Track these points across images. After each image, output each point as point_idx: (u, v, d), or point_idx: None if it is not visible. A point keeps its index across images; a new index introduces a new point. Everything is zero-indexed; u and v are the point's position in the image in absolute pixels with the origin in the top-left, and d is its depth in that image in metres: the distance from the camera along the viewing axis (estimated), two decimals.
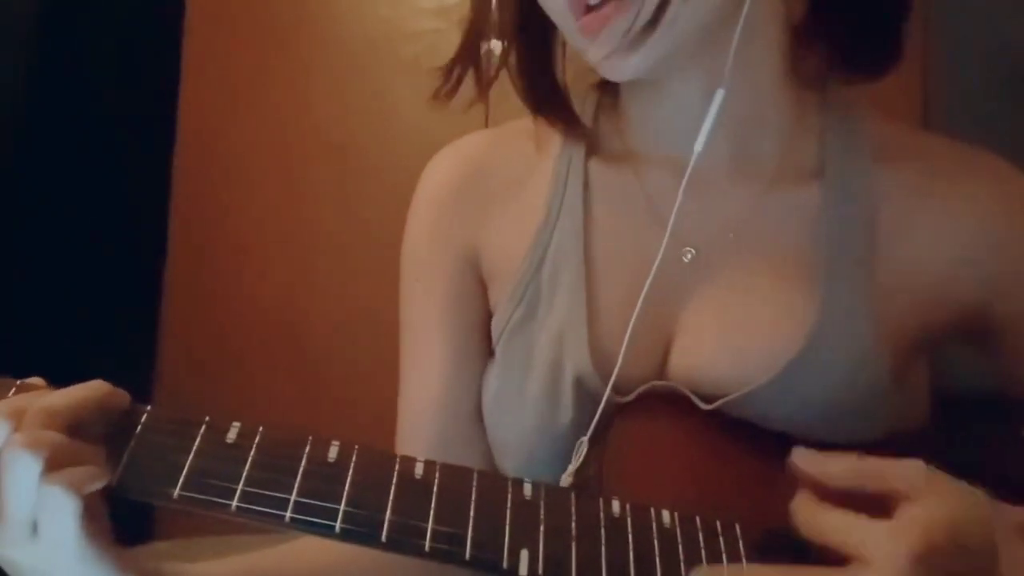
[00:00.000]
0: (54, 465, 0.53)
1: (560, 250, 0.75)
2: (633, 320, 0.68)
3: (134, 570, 0.58)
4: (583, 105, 0.80)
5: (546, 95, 0.77)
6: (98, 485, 0.54)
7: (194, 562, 0.68)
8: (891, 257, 0.71)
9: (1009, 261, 0.71)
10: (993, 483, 0.55)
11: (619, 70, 0.67)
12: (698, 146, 0.68)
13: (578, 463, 0.67)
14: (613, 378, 0.67)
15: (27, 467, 0.52)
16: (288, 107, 1.85)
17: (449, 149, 0.83)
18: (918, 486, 0.53)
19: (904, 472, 0.54)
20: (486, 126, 1.69)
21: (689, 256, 0.72)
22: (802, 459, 0.57)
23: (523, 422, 0.73)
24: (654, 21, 0.64)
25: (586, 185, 0.76)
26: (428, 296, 0.79)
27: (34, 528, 0.54)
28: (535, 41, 0.76)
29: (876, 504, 0.53)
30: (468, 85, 0.75)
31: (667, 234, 0.69)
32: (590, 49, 0.67)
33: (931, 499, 0.52)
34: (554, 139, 0.79)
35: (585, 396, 0.69)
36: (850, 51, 0.73)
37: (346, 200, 1.82)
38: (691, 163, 0.68)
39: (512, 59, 0.76)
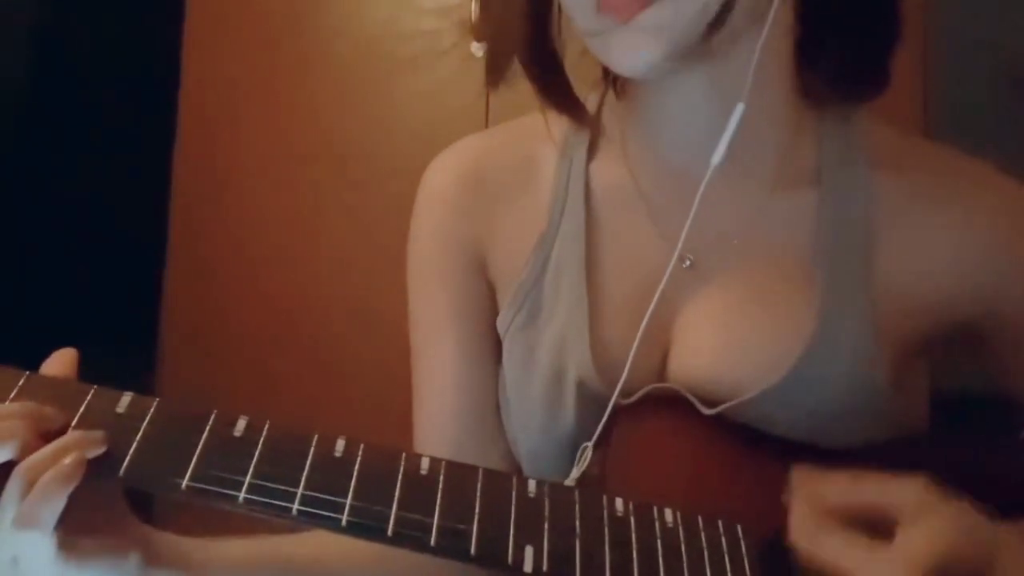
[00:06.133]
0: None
1: (562, 256, 0.75)
2: (644, 326, 0.68)
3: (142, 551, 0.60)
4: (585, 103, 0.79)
5: (552, 79, 0.74)
6: (73, 483, 0.54)
7: None
8: (887, 263, 0.71)
9: (995, 273, 0.71)
10: (993, 485, 0.56)
11: (634, 65, 0.63)
12: (715, 159, 0.67)
13: (582, 468, 0.67)
14: (621, 382, 0.67)
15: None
16: (288, 106, 1.85)
17: (449, 152, 0.82)
18: (915, 509, 0.52)
19: (902, 493, 0.53)
20: (486, 125, 1.71)
21: (688, 262, 0.72)
22: (801, 478, 0.56)
23: (526, 424, 0.73)
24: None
25: (587, 189, 0.76)
26: (438, 298, 0.79)
27: (14, 562, 0.55)
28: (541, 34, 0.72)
29: (877, 519, 0.53)
30: (471, 80, 0.74)
31: (679, 245, 0.69)
32: (615, 35, 0.63)
33: (928, 524, 0.52)
34: (554, 140, 0.78)
35: (587, 398, 0.69)
36: (840, 78, 0.73)
37: (346, 199, 1.82)
38: (706, 177, 0.67)
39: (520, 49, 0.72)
